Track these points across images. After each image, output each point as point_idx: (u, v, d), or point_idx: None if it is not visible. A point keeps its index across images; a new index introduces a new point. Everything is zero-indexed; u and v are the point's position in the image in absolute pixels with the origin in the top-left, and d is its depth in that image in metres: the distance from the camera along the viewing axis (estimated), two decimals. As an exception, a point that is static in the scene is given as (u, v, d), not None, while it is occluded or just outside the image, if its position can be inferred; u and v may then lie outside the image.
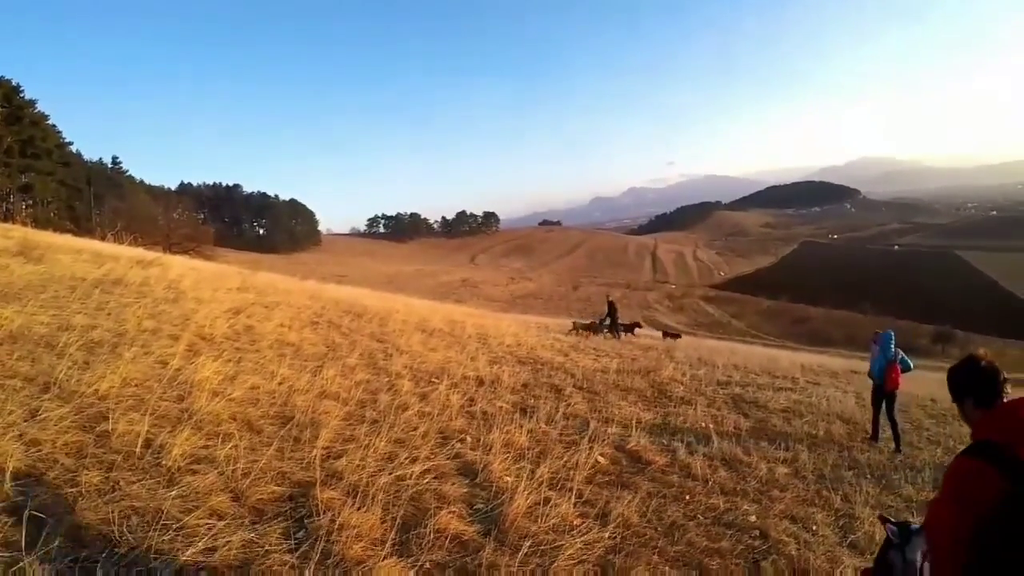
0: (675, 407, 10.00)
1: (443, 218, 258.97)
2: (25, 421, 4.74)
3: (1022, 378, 37.85)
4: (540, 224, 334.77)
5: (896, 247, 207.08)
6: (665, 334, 26.06)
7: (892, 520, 2.93)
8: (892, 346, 10.13)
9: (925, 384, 12.69)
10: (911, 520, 3.04)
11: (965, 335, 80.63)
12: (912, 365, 10.43)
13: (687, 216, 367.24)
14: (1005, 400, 2.54)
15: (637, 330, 25.29)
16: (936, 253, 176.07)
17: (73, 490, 4.07)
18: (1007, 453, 2.23)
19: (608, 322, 23.29)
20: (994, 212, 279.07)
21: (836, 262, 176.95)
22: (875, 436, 9.66)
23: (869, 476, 7.62)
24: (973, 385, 2.66)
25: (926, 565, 2.55)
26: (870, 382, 10.59)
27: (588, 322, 23.66)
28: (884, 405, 9.92)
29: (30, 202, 59.55)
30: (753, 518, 5.84)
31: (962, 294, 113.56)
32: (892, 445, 9.38)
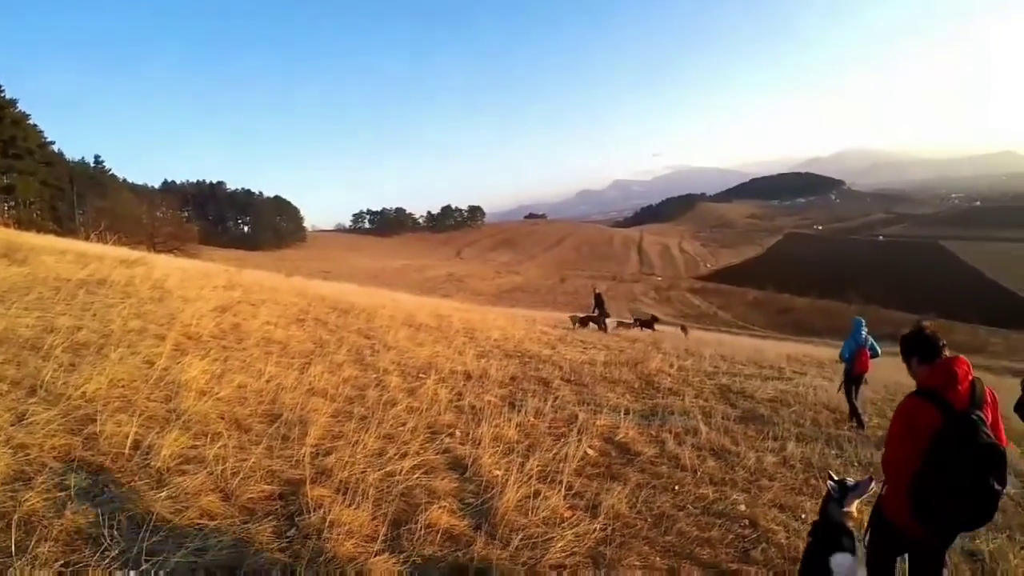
0: (663, 398, 10.05)
1: (428, 212, 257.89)
2: (12, 425, 4.71)
3: (1007, 365, 38.22)
4: (526, 218, 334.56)
5: (881, 237, 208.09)
6: (639, 323, 25.25)
7: (834, 477, 4.07)
8: (862, 332, 10.59)
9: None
10: (848, 478, 4.11)
11: (950, 324, 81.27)
12: (880, 351, 10.76)
13: (672, 208, 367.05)
14: (942, 359, 3.57)
15: (656, 326, 24.76)
16: (921, 243, 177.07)
17: (62, 493, 4.04)
18: (940, 395, 3.36)
19: (597, 313, 23.30)
20: (978, 203, 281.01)
21: (821, 253, 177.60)
22: (860, 424, 9.81)
23: (856, 464, 7.69)
24: (919, 347, 3.69)
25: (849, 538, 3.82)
26: (842, 366, 11.04)
27: (584, 316, 23.51)
28: (852, 388, 10.36)
29: (12, 203, 58.89)
30: (742, 507, 5.90)
31: (946, 284, 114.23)
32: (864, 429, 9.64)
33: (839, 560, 3.75)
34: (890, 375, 13.00)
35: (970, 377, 3.45)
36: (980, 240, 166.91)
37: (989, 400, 3.47)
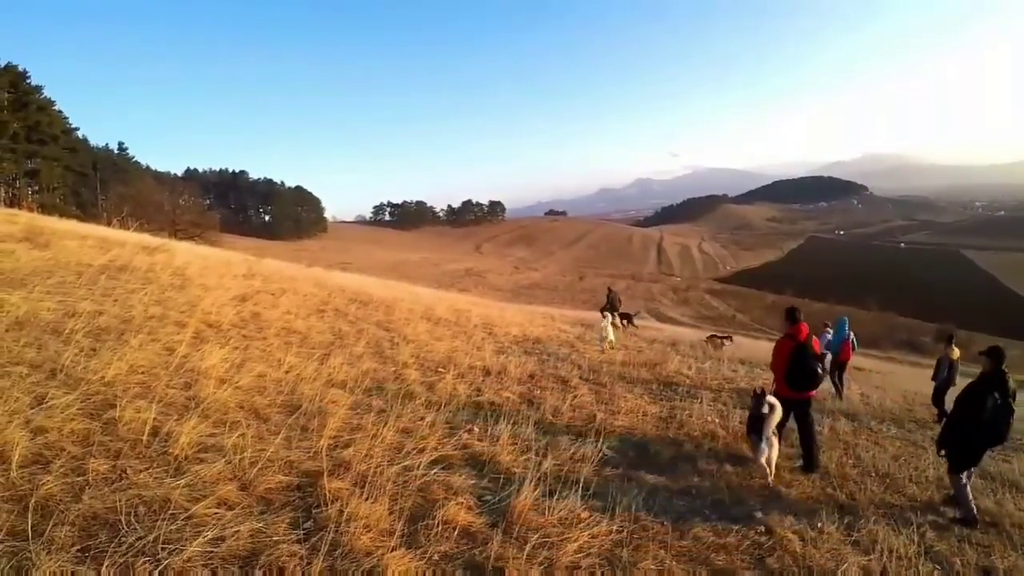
0: (681, 400, 10.02)
1: (449, 206, 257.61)
2: (31, 408, 4.72)
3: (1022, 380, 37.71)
4: (546, 214, 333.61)
5: (902, 244, 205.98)
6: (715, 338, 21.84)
7: (757, 390, 7.53)
8: (846, 328, 13.83)
9: (930, 384, 12.42)
10: (763, 389, 7.59)
11: (968, 334, 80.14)
12: (857, 345, 14.84)
13: (693, 208, 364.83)
14: (801, 323, 7.61)
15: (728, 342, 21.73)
16: (942, 251, 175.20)
17: (80, 478, 4.06)
18: (794, 336, 7.55)
19: (613, 310, 22.85)
20: (1002, 212, 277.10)
21: (841, 258, 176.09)
22: (840, 395, 12.92)
23: (873, 474, 7.58)
24: (789, 315, 7.77)
25: (771, 416, 7.03)
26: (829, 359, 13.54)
27: (624, 312, 22.72)
28: (837, 372, 13.35)
29: (36, 188, 59.56)
30: (759, 514, 5.85)
31: (966, 293, 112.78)
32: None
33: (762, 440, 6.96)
34: (910, 384, 12.86)
35: (807, 330, 7.66)
36: (1002, 251, 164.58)
37: (814, 340, 7.84)
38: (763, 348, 21.80)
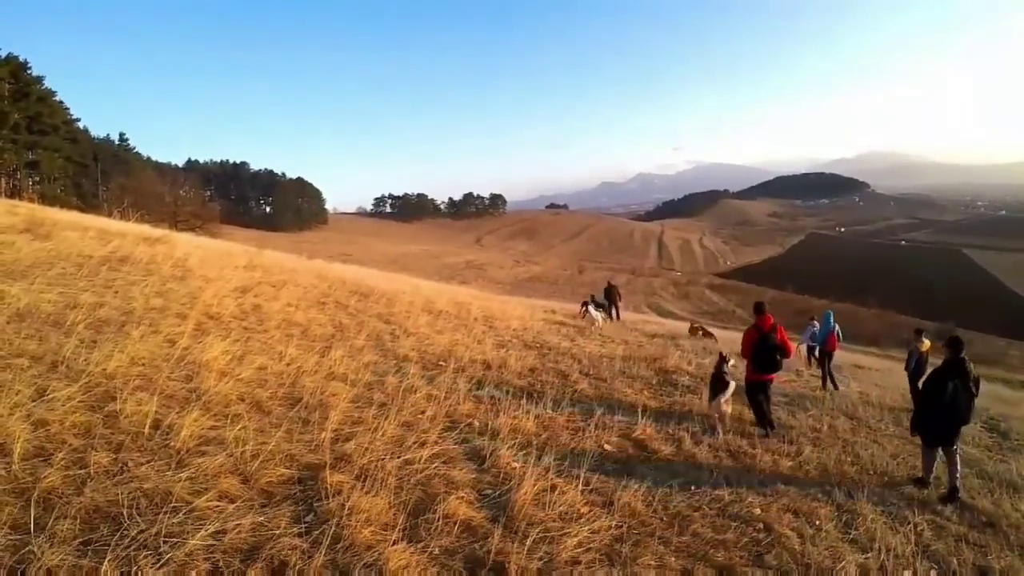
0: (681, 395, 10.04)
1: (450, 199, 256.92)
2: (33, 401, 4.74)
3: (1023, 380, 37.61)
4: (547, 207, 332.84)
5: (903, 242, 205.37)
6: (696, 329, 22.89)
7: (723, 352, 9.54)
8: (831, 321, 14.42)
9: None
10: (730, 359, 9.24)
11: (968, 334, 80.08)
12: (842, 336, 14.92)
13: (694, 203, 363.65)
14: (767, 315, 8.82)
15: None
16: (943, 250, 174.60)
17: (82, 471, 4.08)
18: (760, 327, 8.71)
19: (594, 303, 23.05)
20: (1003, 212, 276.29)
21: (842, 255, 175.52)
22: (825, 385, 13.34)
23: (872, 472, 7.59)
24: (757, 308, 9.10)
25: (730, 380, 8.78)
26: (816, 358, 15.18)
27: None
28: (826, 361, 13.77)
29: (37, 179, 59.45)
30: (757, 511, 5.87)
31: (967, 293, 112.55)
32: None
33: (720, 398, 8.62)
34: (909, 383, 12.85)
35: (771, 321, 8.70)
36: (1004, 251, 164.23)
37: (778, 330, 8.67)
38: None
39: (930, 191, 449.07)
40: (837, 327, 14.46)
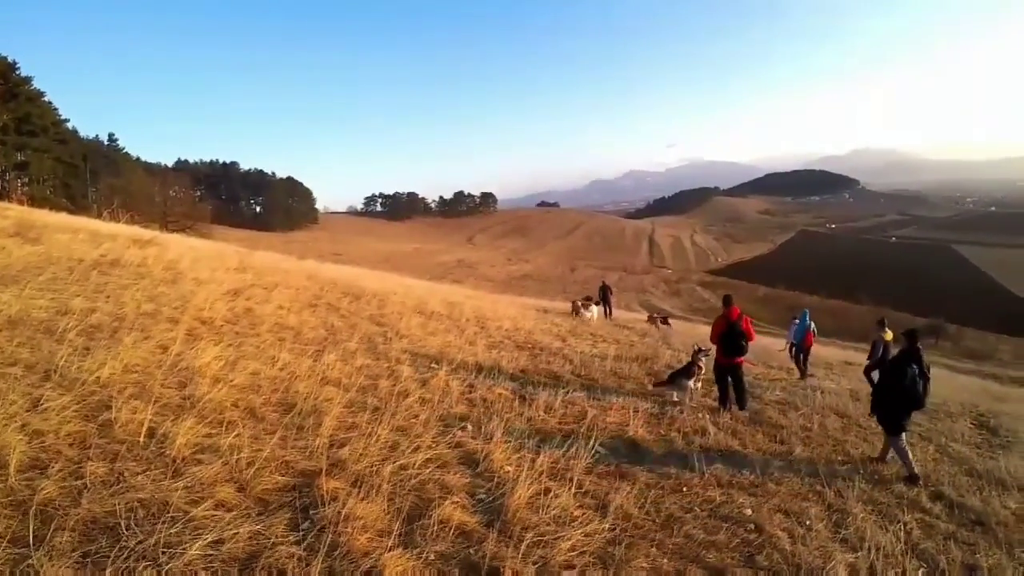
0: (672, 396, 10.06)
1: (440, 198, 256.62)
2: (27, 411, 4.74)
3: (1013, 375, 37.89)
4: (538, 205, 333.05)
5: (893, 239, 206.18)
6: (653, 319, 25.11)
7: (699, 346, 10.60)
8: (807, 319, 15.36)
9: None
10: (701, 346, 10.53)
11: (958, 329, 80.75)
12: (817, 333, 15.97)
13: (685, 201, 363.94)
14: (733, 307, 9.87)
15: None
16: (933, 247, 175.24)
17: (78, 482, 4.08)
18: (727, 316, 9.75)
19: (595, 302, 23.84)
20: (993, 208, 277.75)
21: (833, 252, 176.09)
22: (803, 375, 14.47)
23: (862, 471, 7.65)
24: (725, 301, 10.11)
25: (699, 370, 10.15)
26: (792, 351, 16.00)
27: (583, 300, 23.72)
28: (801, 356, 14.98)
29: (26, 180, 58.97)
30: (748, 511, 5.93)
31: (958, 289, 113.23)
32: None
33: (687, 382, 9.86)
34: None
35: (738, 312, 9.76)
36: (994, 246, 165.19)
37: (744, 320, 9.72)
38: (754, 342, 21.95)
39: (921, 187, 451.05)
40: (813, 324, 15.40)
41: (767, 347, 20.07)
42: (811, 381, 13.81)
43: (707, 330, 11.45)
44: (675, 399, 9.86)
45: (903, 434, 7.96)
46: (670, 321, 25.79)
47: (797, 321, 15.98)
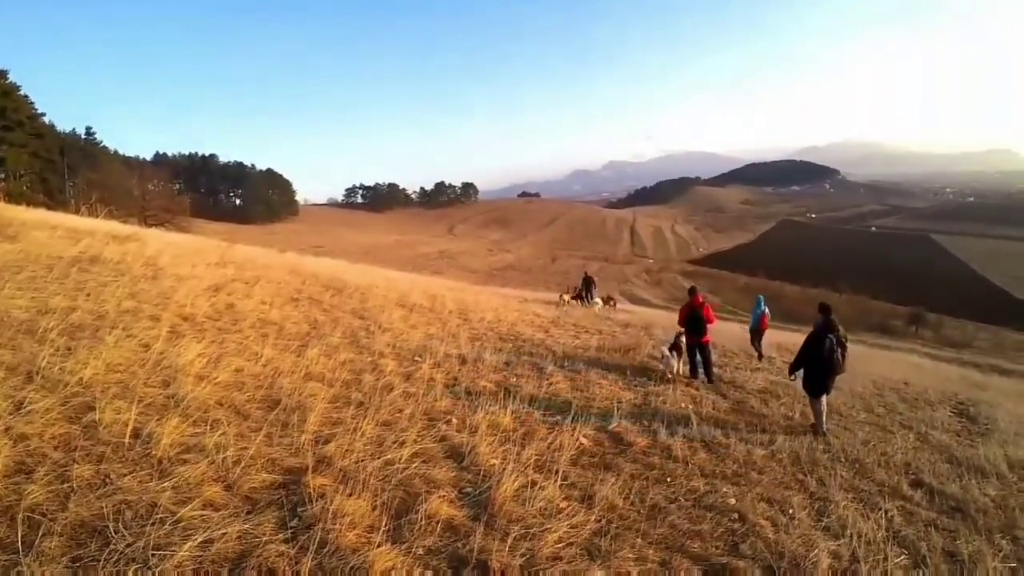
0: (655, 386, 10.18)
1: (421, 189, 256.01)
2: (11, 414, 4.71)
3: (993, 363, 38.42)
4: (519, 196, 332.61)
5: (873, 228, 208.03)
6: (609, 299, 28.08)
7: (678, 330, 11.94)
8: (762, 305, 16.46)
9: (900, 367, 12.89)
10: (680, 332, 11.73)
11: (938, 318, 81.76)
12: (770, 318, 16.81)
13: (666, 191, 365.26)
14: (697, 295, 11.87)
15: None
16: (912, 236, 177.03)
17: (65, 486, 4.06)
18: (692, 304, 11.65)
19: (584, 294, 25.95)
20: (972, 198, 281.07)
21: (813, 241, 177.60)
22: (760, 357, 15.08)
23: (843, 459, 7.75)
24: (690, 290, 12.30)
25: (677, 351, 11.46)
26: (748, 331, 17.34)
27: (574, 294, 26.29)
28: (758, 338, 15.82)
29: (2, 175, 58.04)
30: (732, 501, 5.99)
31: (937, 278, 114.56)
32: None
33: (668, 351, 11.29)
34: (880, 368, 13.13)
35: (700, 299, 11.73)
36: (972, 236, 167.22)
37: (706, 307, 11.61)
38: (735, 331, 22.14)
39: (900, 178, 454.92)
40: (767, 309, 16.54)
41: (740, 333, 20.32)
42: (761, 359, 14.85)
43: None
44: (662, 367, 11.33)
45: (823, 396, 8.99)
46: (615, 302, 28.98)
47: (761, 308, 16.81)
